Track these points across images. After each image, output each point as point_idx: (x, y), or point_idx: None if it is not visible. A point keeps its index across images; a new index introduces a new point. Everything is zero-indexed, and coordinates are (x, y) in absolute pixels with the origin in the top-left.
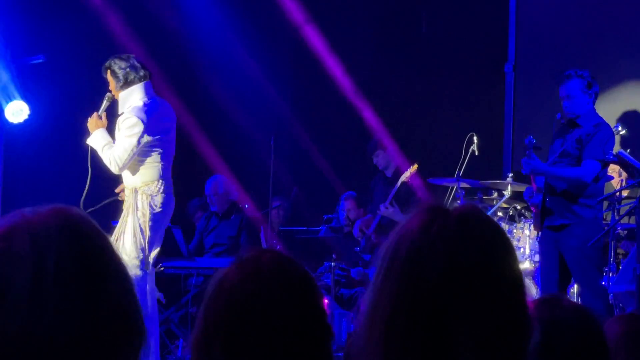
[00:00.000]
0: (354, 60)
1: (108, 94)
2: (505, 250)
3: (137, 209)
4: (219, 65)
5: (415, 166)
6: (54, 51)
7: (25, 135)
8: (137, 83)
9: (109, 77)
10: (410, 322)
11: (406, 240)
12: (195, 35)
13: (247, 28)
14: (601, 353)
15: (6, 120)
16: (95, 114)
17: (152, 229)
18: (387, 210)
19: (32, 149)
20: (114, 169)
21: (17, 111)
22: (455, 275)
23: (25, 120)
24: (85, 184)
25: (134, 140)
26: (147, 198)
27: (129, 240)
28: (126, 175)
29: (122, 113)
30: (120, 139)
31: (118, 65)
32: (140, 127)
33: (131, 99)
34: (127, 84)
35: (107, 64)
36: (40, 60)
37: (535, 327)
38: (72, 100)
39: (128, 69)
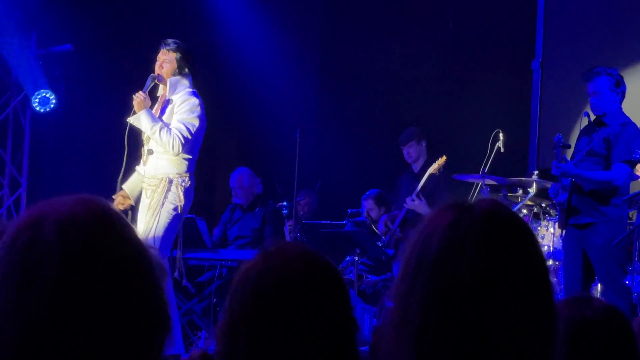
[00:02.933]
0: (381, 55)
1: (153, 74)
2: (534, 245)
3: (167, 199)
4: (245, 58)
5: (444, 158)
6: (81, 40)
7: (52, 124)
8: (188, 76)
9: (169, 56)
10: (444, 319)
11: (435, 239)
12: (222, 28)
13: (273, 21)
14: (632, 353)
15: (33, 109)
16: (141, 92)
17: (180, 220)
18: (413, 202)
19: (58, 138)
20: (176, 148)
21: (44, 100)
22: (487, 272)
23: (52, 109)
24: (120, 170)
25: (197, 122)
26: (181, 190)
27: (161, 230)
28: (161, 164)
29: (172, 98)
30: (183, 118)
31: (184, 52)
32: (200, 111)
33: (179, 87)
34: (180, 72)
35: (175, 46)
36: (68, 49)
37: (561, 323)
38: (98, 89)
39: (189, 60)
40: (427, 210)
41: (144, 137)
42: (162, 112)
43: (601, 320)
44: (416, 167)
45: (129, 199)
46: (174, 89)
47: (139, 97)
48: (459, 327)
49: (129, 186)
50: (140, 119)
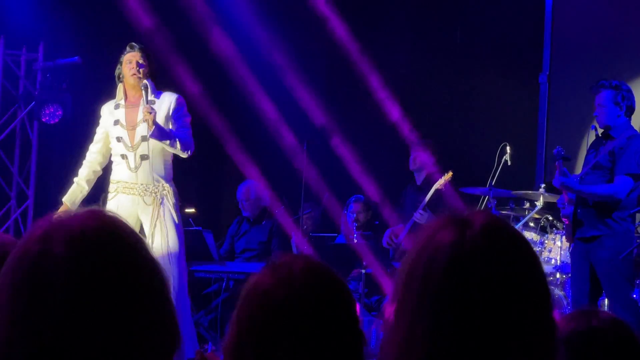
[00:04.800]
0: (388, 68)
1: (145, 81)
2: (531, 251)
3: (172, 206)
4: (253, 70)
5: (450, 174)
6: (89, 52)
7: (59, 136)
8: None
9: (144, 60)
10: (456, 336)
11: (440, 257)
12: (229, 40)
13: (281, 33)
14: None
15: (41, 122)
16: (148, 105)
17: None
18: (421, 216)
19: (66, 150)
20: (190, 151)
21: (52, 112)
22: (497, 287)
23: (59, 122)
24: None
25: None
26: (175, 194)
27: (173, 237)
28: (157, 169)
29: (153, 99)
30: (184, 121)
31: (150, 53)
32: None
33: (153, 87)
34: (151, 74)
35: (141, 46)
36: (76, 62)
37: (560, 340)
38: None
39: (153, 60)
40: None
41: (132, 143)
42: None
43: (607, 331)
44: (419, 179)
45: None
46: (152, 90)
47: (149, 110)
48: (472, 342)
49: (70, 198)
50: (161, 131)
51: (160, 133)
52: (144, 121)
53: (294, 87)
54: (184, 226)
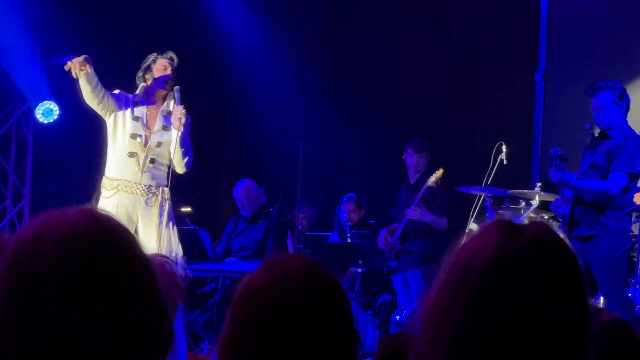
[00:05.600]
0: (385, 68)
1: (178, 87)
2: (579, 276)
3: (170, 210)
4: (249, 70)
5: (441, 171)
6: (85, 51)
7: (55, 135)
8: None
9: (173, 71)
10: (480, 339)
11: (481, 257)
12: (226, 41)
13: (277, 34)
14: None
15: (36, 121)
16: (182, 106)
17: None
18: (414, 212)
19: (61, 149)
20: (186, 171)
21: (48, 111)
22: (530, 300)
23: (55, 121)
24: None
25: None
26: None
27: (175, 240)
28: (159, 175)
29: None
30: (189, 140)
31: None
32: None
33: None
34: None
35: (174, 56)
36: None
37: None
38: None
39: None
40: (429, 217)
41: (148, 145)
42: (169, 123)
43: (609, 333)
44: (413, 178)
45: None
46: (170, 100)
47: (188, 116)
48: (494, 348)
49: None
50: (184, 137)
51: (184, 139)
52: (163, 128)
53: (291, 87)
54: (180, 225)
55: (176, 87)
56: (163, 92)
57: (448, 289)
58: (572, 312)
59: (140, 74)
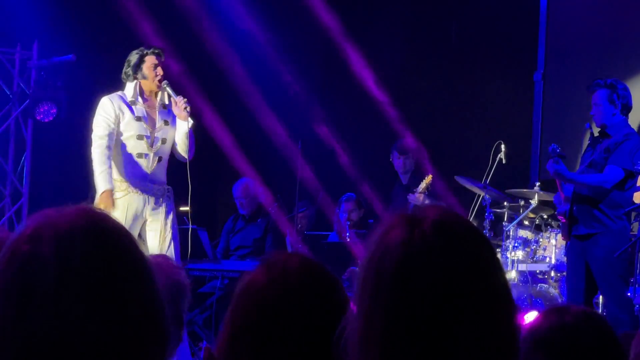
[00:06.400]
0: (384, 67)
1: (165, 80)
2: (489, 252)
3: (174, 207)
4: (248, 69)
5: (430, 177)
6: (83, 50)
7: (54, 134)
8: None
9: (162, 63)
10: (407, 335)
11: (390, 257)
12: (225, 39)
13: (277, 32)
14: (615, 356)
15: (35, 120)
16: (182, 97)
17: None
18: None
19: (60, 148)
20: (188, 159)
21: (46, 110)
22: (446, 287)
23: (54, 120)
24: None
25: None
26: None
27: (176, 238)
28: (165, 171)
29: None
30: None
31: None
32: None
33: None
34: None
35: (162, 51)
36: (70, 60)
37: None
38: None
39: None
40: (429, 200)
41: (155, 143)
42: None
43: (580, 326)
44: (404, 179)
45: None
46: (163, 93)
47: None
48: (425, 345)
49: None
50: (190, 131)
51: (191, 132)
52: (164, 124)
53: (289, 85)
54: (179, 224)
55: (164, 82)
56: (155, 89)
57: (366, 297)
58: (491, 288)
59: (129, 71)
